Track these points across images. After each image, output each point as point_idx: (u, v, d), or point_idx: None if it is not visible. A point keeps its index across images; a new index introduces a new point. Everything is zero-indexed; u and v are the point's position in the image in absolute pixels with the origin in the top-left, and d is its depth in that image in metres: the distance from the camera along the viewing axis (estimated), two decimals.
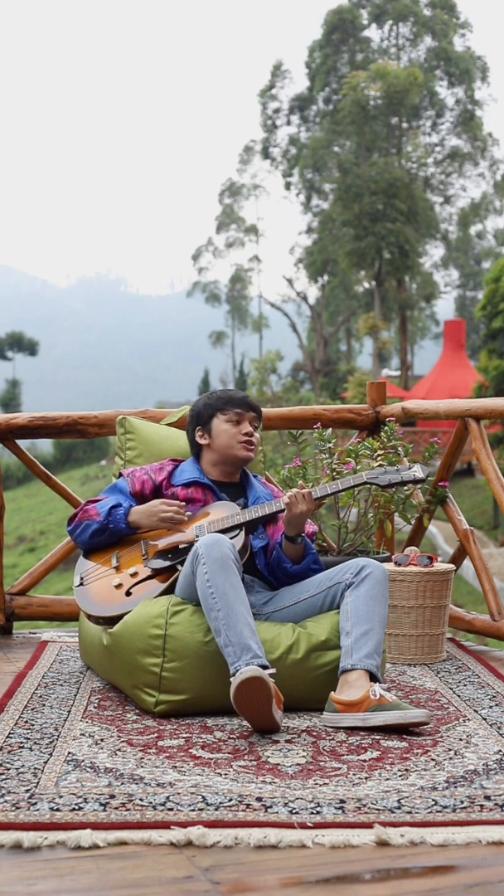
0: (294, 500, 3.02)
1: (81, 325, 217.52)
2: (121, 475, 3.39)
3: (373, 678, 2.81)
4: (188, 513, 3.19)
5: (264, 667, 2.69)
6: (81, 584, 3.19)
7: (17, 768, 2.32)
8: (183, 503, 3.15)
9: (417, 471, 3.13)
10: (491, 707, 2.97)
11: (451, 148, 40.70)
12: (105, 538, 3.18)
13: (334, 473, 3.71)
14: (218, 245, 51.24)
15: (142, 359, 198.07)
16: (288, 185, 42.99)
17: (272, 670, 2.69)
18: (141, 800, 2.11)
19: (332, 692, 2.81)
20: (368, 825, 1.98)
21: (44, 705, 2.91)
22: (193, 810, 2.05)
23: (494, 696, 3.10)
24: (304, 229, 48.08)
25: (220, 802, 2.10)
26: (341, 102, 37.05)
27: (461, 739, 2.63)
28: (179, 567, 3.06)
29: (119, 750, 2.49)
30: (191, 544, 3.09)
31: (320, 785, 2.24)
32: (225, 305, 53.33)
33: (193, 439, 3.35)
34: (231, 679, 2.66)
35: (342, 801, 2.12)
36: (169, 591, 3.07)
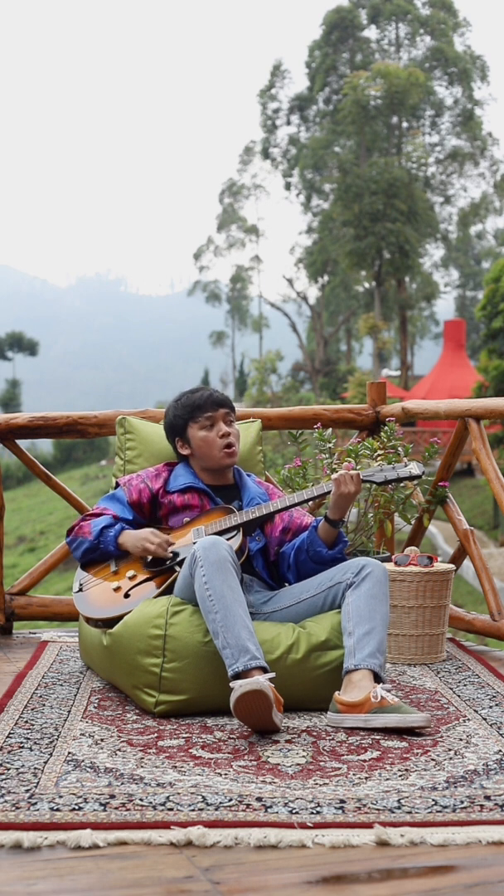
0: (342, 480, 3.03)
1: (81, 324, 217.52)
2: (118, 485, 3.38)
3: (377, 677, 2.81)
4: (185, 518, 3.20)
5: (263, 668, 2.69)
6: (80, 589, 3.19)
7: (17, 768, 2.32)
8: (168, 539, 3.14)
9: (413, 467, 3.14)
10: (491, 707, 2.97)
11: (451, 148, 40.71)
12: (97, 556, 3.20)
13: (334, 473, 3.71)
14: (219, 244, 51.28)
15: (142, 359, 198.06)
16: (288, 185, 43.03)
17: (271, 674, 2.69)
18: (141, 800, 2.11)
19: (337, 692, 2.82)
20: (368, 825, 1.98)
21: (44, 705, 2.91)
22: (193, 810, 2.05)
23: (494, 696, 3.10)
24: (304, 229, 48.17)
25: (220, 802, 2.10)
26: (341, 102, 37.06)
27: (461, 739, 2.63)
28: (178, 569, 3.07)
29: (119, 750, 2.49)
30: (188, 547, 3.09)
31: (320, 785, 2.24)
32: (225, 305, 53.36)
33: (176, 450, 3.35)
34: (230, 684, 2.66)
35: (342, 801, 2.12)
36: (167, 592, 3.07)
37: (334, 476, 3.05)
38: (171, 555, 3.10)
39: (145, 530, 3.15)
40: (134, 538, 3.14)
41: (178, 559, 3.09)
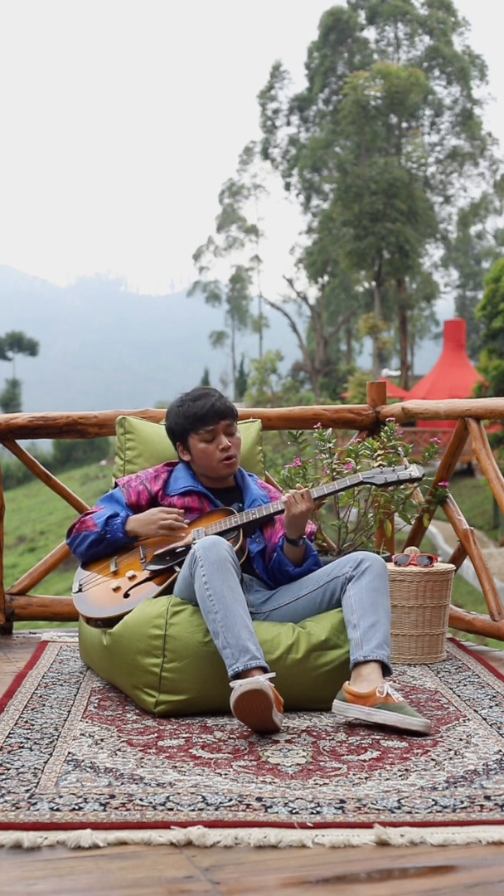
0: (292, 500, 3.02)
1: (81, 324, 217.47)
2: (116, 485, 3.38)
3: (385, 669, 2.82)
4: (185, 520, 3.20)
5: (263, 668, 2.70)
6: (80, 590, 3.19)
7: (17, 768, 2.32)
8: (182, 510, 3.14)
9: (414, 470, 3.13)
10: (491, 707, 2.97)
11: (450, 148, 40.72)
12: (103, 548, 3.19)
13: (334, 473, 3.71)
14: (218, 244, 51.29)
15: (142, 359, 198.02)
16: (288, 186, 43.03)
17: (272, 674, 2.69)
18: (141, 800, 2.11)
19: (347, 682, 2.82)
20: (368, 825, 1.98)
21: (44, 705, 2.91)
22: (193, 810, 2.05)
23: (494, 696, 3.10)
24: (304, 229, 48.18)
25: (220, 802, 2.10)
26: (341, 102, 37.06)
27: (461, 739, 2.63)
28: (177, 569, 3.07)
29: (119, 750, 2.49)
30: (189, 546, 3.09)
31: (320, 785, 2.24)
32: (225, 305, 53.37)
33: (176, 452, 3.35)
34: (230, 683, 2.66)
35: (342, 801, 2.12)
36: (167, 592, 3.07)
37: (284, 498, 3.05)
38: (186, 526, 3.10)
39: (153, 509, 3.15)
40: (144, 520, 3.14)
41: (178, 560, 3.09)
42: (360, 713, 2.74)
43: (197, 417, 3.22)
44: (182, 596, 2.99)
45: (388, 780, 2.28)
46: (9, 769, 2.31)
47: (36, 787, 2.19)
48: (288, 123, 42.98)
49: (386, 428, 3.96)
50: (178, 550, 3.11)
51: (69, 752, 2.45)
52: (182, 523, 3.11)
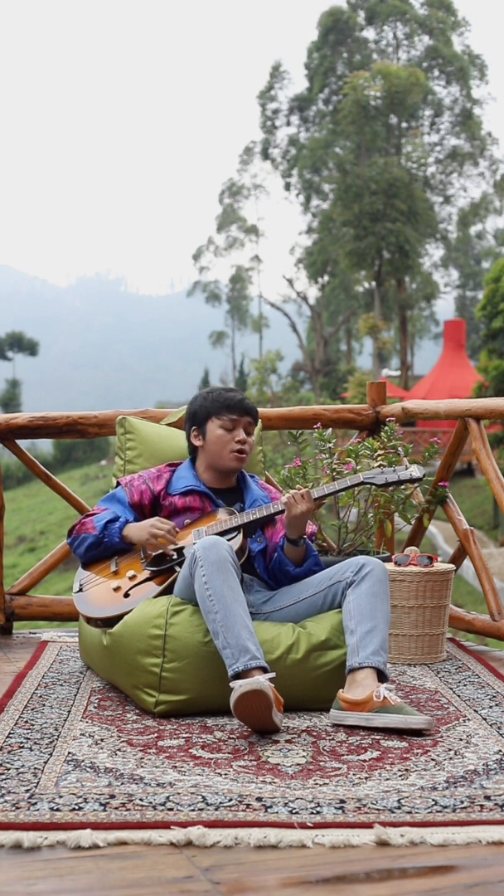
0: (292, 501, 3.02)
1: (81, 324, 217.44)
2: (118, 484, 3.38)
3: (380, 675, 2.82)
4: (186, 520, 3.21)
5: (263, 668, 2.70)
6: (81, 590, 3.19)
7: (17, 768, 2.32)
8: (175, 526, 3.14)
9: (414, 470, 3.14)
10: (491, 707, 2.97)
11: (450, 148, 40.72)
12: (101, 551, 3.20)
13: (334, 473, 3.71)
14: (218, 245, 51.30)
15: (142, 359, 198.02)
16: (288, 186, 43.04)
17: (272, 674, 2.69)
18: (141, 800, 2.11)
19: (341, 690, 2.82)
20: (368, 825, 1.98)
21: (44, 705, 2.91)
22: (193, 810, 2.06)
23: (494, 696, 3.10)
24: (304, 229, 48.20)
25: (220, 802, 2.10)
26: (341, 102, 37.07)
27: (461, 739, 2.63)
28: (177, 569, 3.07)
29: (119, 750, 2.49)
30: (189, 547, 3.09)
31: (320, 785, 2.24)
32: (225, 305, 53.36)
33: (189, 439, 3.35)
34: (230, 684, 2.66)
35: (342, 801, 2.12)
36: (167, 592, 3.07)
37: (283, 499, 3.05)
38: (177, 544, 3.10)
39: (151, 519, 3.15)
40: (139, 527, 3.14)
41: (178, 559, 3.09)
42: (359, 720, 2.73)
43: (225, 404, 3.26)
44: (182, 596, 2.99)
45: (388, 780, 2.28)
46: (9, 769, 2.31)
47: (36, 787, 2.19)
48: (288, 124, 42.98)
49: (386, 428, 3.96)
50: (180, 550, 3.11)
51: (69, 752, 2.45)
52: (173, 539, 3.11)
